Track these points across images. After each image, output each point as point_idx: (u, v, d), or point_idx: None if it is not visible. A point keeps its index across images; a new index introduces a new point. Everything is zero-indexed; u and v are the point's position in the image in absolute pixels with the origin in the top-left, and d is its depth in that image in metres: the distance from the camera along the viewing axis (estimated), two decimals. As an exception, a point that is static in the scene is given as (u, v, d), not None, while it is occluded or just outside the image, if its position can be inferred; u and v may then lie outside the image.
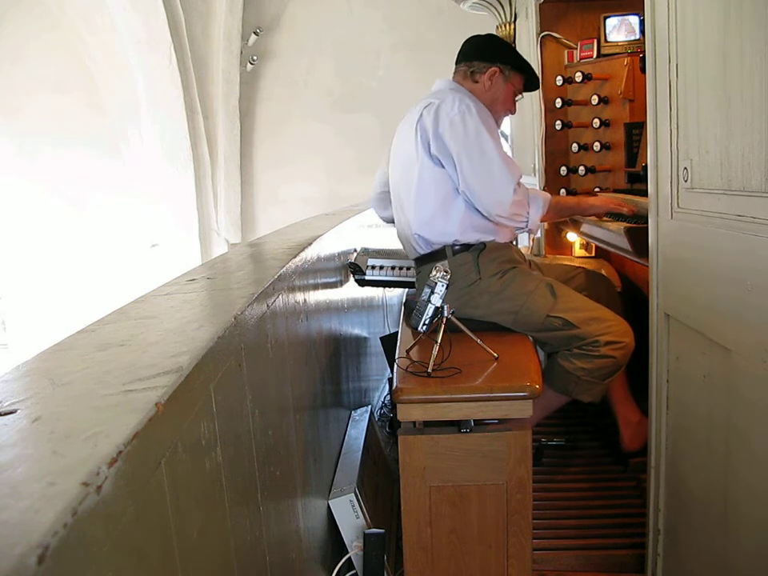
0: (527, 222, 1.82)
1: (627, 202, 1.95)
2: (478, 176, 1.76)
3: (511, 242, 1.94)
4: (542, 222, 2.09)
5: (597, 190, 2.31)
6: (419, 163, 1.82)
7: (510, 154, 2.76)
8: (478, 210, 1.80)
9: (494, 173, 1.77)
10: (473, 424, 1.41)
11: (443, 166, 1.79)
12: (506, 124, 3.15)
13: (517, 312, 1.77)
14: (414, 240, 1.91)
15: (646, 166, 1.41)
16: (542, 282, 1.81)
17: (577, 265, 2.18)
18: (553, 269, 2.06)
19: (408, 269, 2.16)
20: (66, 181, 6.11)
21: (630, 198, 1.97)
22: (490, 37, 2.02)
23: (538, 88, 2.07)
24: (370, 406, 2.22)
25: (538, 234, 2.62)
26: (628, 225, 1.78)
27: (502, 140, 2.08)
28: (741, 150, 1.02)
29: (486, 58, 1.91)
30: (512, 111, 2.00)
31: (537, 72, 2.11)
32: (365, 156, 5.95)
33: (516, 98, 1.98)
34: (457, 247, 1.83)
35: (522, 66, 1.94)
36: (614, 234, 1.87)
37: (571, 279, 2.02)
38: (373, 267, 2.20)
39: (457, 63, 1.97)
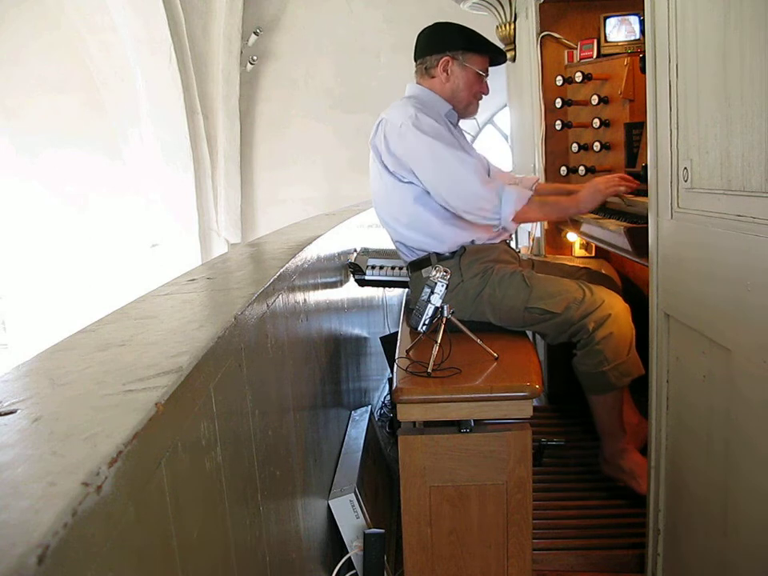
0: (499, 218, 1.75)
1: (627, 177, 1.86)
2: (436, 177, 1.75)
3: (504, 242, 1.91)
4: (526, 220, 2.03)
5: None
6: (382, 180, 1.84)
7: (504, 151, 2.72)
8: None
9: (450, 169, 1.74)
10: (473, 424, 1.41)
11: (407, 180, 1.79)
12: (506, 123, 3.14)
13: (499, 310, 1.76)
14: (397, 248, 1.93)
15: (646, 166, 1.41)
16: (515, 276, 1.78)
17: (580, 265, 2.17)
18: (555, 269, 2.05)
19: (408, 269, 2.16)
20: (66, 181, 6.11)
21: (630, 198, 1.96)
22: (433, 26, 1.93)
23: (505, 61, 1.98)
24: (370, 406, 2.21)
25: (538, 234, 2.61)
26: (628, 225, 1.78)
27: (470, 137, 2.03)
28: (741, 149, 1.02)
29: (434, 50, 1.86)
30: (484, 92, 1.93)
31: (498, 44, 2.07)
32: (364, 156, 5.92)
33: (484, 78, 1.90)
34: (446, 255, 1.83)
35: (474, 47, 1.86)
36: (614, 234, 1.87)
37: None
38: (373, 267, 2.20)
39: (415, 62, 1.93)
